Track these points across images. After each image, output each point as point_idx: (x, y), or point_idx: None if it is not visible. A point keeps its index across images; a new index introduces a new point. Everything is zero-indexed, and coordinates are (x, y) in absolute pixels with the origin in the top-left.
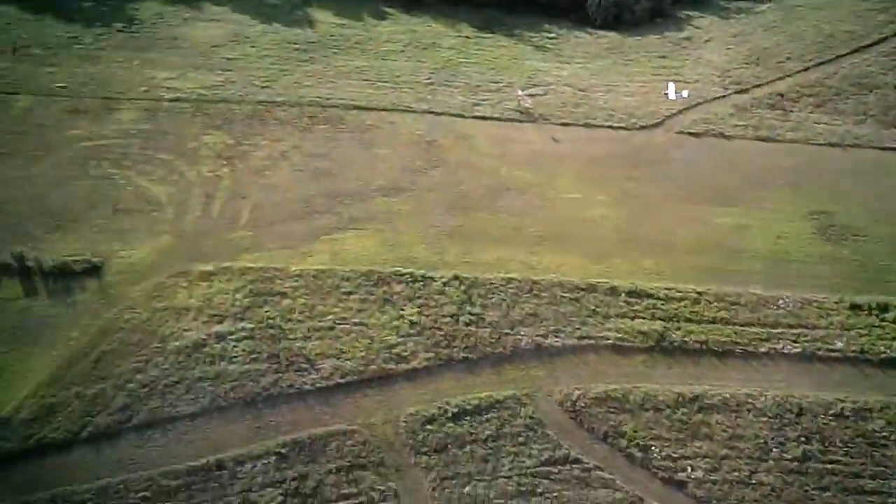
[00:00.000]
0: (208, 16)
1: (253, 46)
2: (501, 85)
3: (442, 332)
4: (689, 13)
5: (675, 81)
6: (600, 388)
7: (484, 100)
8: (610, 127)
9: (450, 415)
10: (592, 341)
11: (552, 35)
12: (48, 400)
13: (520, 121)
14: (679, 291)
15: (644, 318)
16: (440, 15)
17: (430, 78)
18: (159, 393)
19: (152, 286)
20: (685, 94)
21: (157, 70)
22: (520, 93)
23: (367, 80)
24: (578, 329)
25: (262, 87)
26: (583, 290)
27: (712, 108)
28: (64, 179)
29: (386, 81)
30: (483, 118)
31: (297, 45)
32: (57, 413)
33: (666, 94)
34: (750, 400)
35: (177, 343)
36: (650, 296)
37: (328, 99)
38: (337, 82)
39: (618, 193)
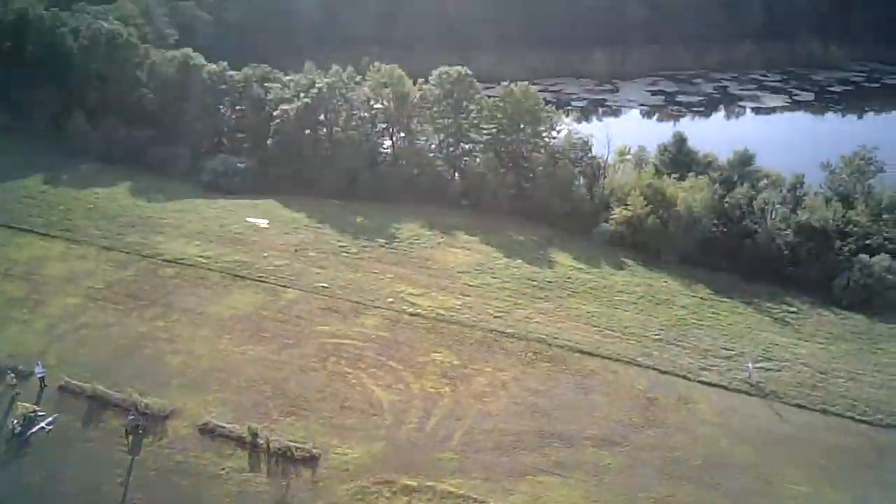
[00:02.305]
0: (459, 243)
1: (494, 277)
2: (732, 353)
3: None
4: None
5: None
6: None
7: (712, 365)
8: (851, 418)
9: None
10: None
11: (793, 309)
12: None
13: (748, 393)
14: None
15: None
16: (678, 273)
17: (658, 334)
18: None
19: (358, 488)
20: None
21: (405, 285)
22: (751, 365)
23: (595, 327)
24: None
25: (496, 317)
26: None
27: None
28: (306, 369)
29: (614, 330)
30: (709, 384)
31: (534, 282)
32: None
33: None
34: None
35: None
36: None
37: (555, 338)
38: (566, 323)
39: (855, 496)
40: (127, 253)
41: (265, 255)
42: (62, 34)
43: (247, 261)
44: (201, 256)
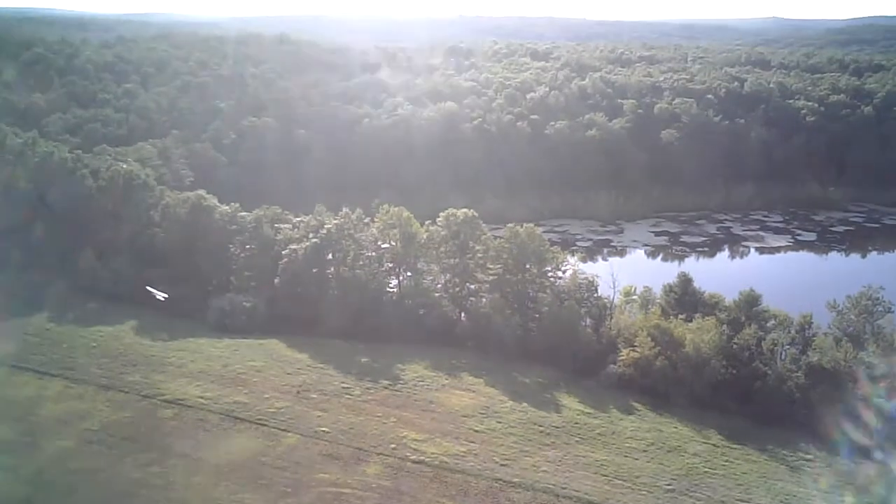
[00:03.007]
0: (464, 385)
1: (500, 422)
2: None
3: None
4: None
5: None
6: None
7: None
8: None
9: None
10: None
11: (809, 456)
12: None
13: None
14: None
15: None
16: (688, 418)
17: (671, 484)
18: None
19: None
20: None
21: (408, 430)
22: None
23: (605, 476)
24: None
25: (502, 465)
26: None
27: None
28: None
29: (625, 480)
30: None
31: (541, 428)
32: None
33: None
34: None
35: None
36: None
37: (563, 489)
38: (574, 472)
39: None
40: (126, 393)
41: (266, 396)
42: (82, 175)
43: (247, 402)
44: (202, 397)
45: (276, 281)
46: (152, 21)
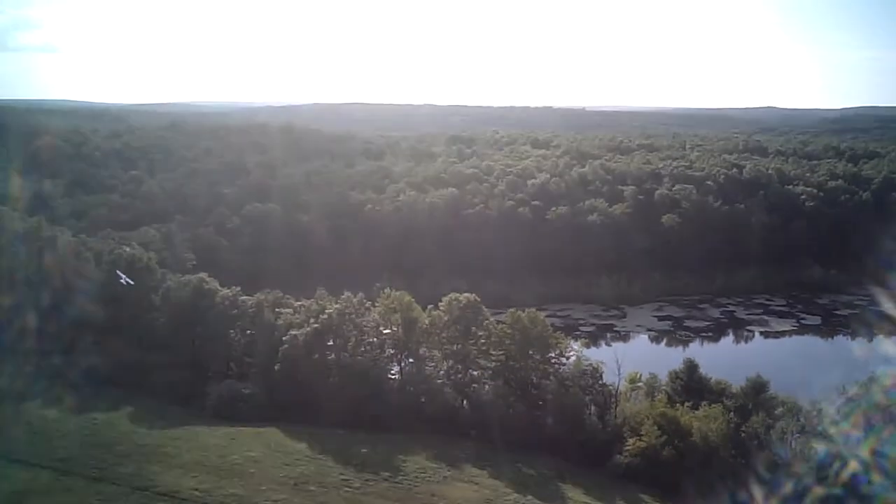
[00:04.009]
0: (467, 477)
1: None
2: None
3: None
4: None
5: None
6: None
7: None
8: None
9: None
10: None
11: None
12: None
13: None
14: None
15: None
16: None
17: None
18: None
19: None
20: None
21: None
22: None
23: None
24: None
25: None
26: None
27: None
28: None
29: None
30: None
31: None
32: None
33: None
34: None
35: None
36: None
37: None
38: None
39: None
40: (118, 485)
41: (263, 488)
42: (85, 258)
43: (243, 495)
44: (196, 489)
45: (277, 367)
46: (162, 110)
